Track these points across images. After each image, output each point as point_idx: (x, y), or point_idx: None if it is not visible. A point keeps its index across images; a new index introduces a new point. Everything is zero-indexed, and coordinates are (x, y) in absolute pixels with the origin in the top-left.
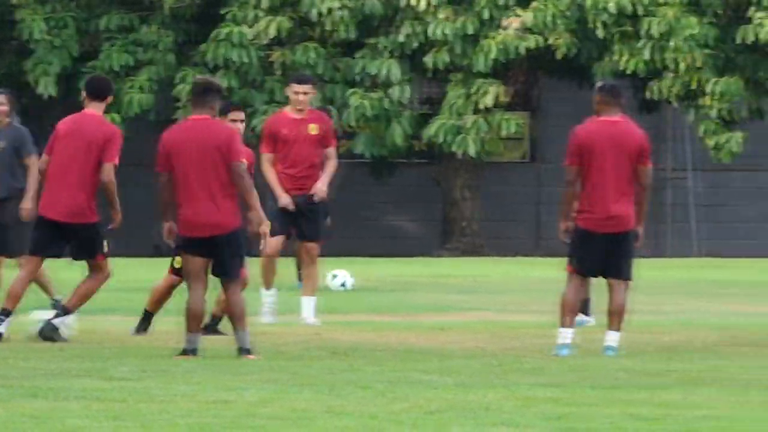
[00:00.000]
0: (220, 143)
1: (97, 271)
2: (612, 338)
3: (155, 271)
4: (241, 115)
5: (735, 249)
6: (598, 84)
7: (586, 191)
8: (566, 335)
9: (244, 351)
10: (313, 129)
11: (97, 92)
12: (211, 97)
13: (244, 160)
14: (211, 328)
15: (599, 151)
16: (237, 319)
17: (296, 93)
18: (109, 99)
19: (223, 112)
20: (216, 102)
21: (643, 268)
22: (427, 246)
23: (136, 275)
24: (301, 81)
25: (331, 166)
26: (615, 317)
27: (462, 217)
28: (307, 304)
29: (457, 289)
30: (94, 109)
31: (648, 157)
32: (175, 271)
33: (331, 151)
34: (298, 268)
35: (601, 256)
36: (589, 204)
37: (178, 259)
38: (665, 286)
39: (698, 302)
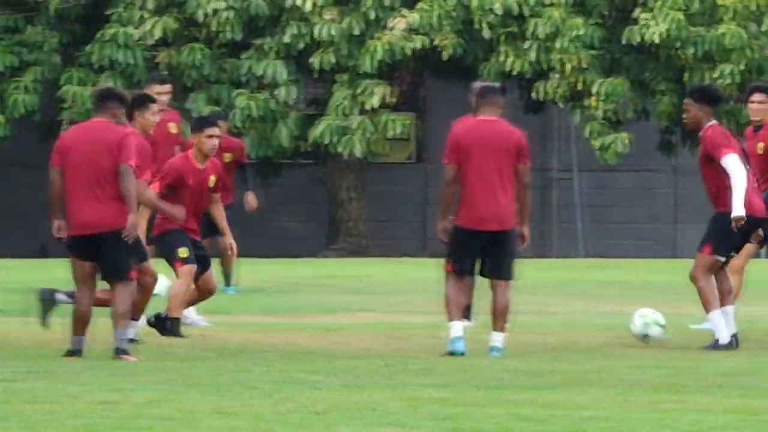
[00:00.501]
0: (112, 144)
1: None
2: (497, 339)
3: (41, 271)
4: (216, 131)
5: (620, 249)
6: (475, 84)
7: (465, 190)
8: (457, 328)
9: (120, 351)
10: (172, 128)
11: None
12: (111, 103)
13: (132, 163)
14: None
15: (477, 150)
16: (117, 318)
17: (159, 94)
18: None
19: (199, 128)
20: (116, 107)
21: (528, 269)
22: (313, 247)
23: (22, 276)
24: (164, 81)
25: None
26: (499, 318)
27: (348, 217)
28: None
29: (343, 289)
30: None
31: (527, 155)
32: (182, 261)
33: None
34: (224, 267)
35: (480, 255)
36: (468, 203)
37: (182, 249)
38: (551, 287)
39: (584, 303)
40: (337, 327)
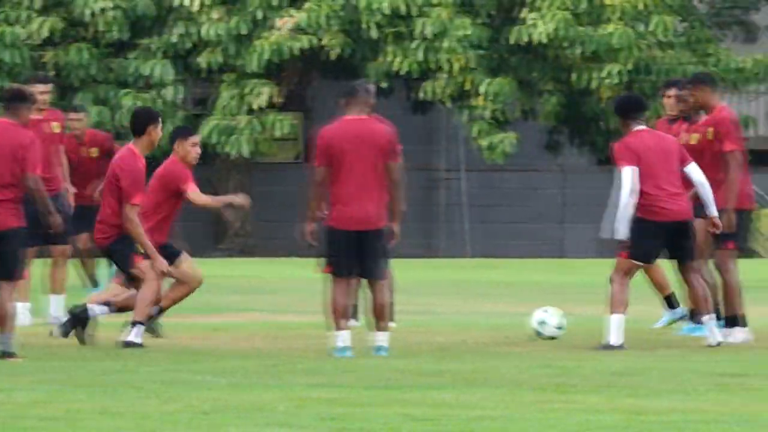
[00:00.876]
0: (16, 147)
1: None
2: (381, 338)
3: None
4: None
5: (507, 249)
6: (345, 85)
7: (335, 191)
8: (344, 338)
9: (6, 354)
10: (55, 127)
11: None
12: (16, 104)
13: (38, 172)
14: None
15: (346, 150)
16: (1, 320)
17: (41, 93)
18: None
19: (183, 137)
20: (23, 109)
21: (416, 269)
22: (200, 247)
23: None
24: (45, 81)
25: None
26: (379, 317)
27: (234, 217)
28: (56, 303)
29: (230, 289)
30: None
31: (396, 153)
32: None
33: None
34: (85, 268)
35: (354, 255)
36: (339, 203)
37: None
38: (438, 287)
39: (471, 303)
40: (225, 327)
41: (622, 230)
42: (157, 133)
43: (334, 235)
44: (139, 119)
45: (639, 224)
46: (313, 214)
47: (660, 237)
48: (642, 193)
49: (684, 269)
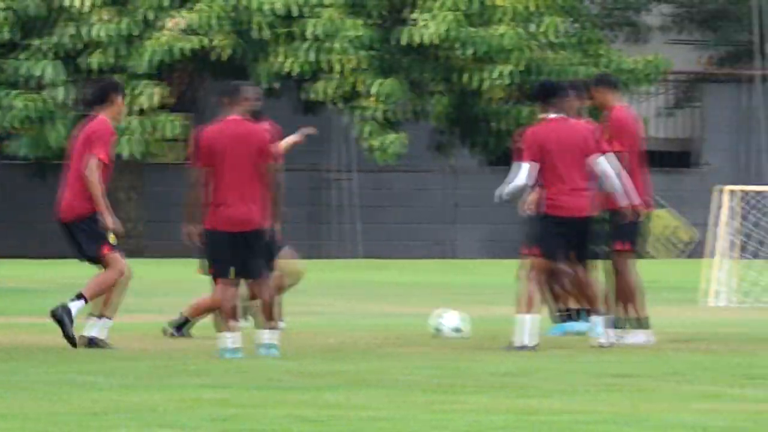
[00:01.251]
0: None
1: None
2: (267, 336)
3: None
4: None
5: (398, 250)
6: (226, 85)
7: (215, 192)
8: (234, 339)
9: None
10: None
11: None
12: None
13: None
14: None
15: (224, 152)
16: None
17: None
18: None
19: None
20: None
21: (306, 270)
22: None
23: None
24: None
25: None
26: (266, 316)
27: (126, 218)
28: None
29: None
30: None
31: (272, 153)
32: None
33: None
34: None
35: (235, 256)
36: (217, 205)
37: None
38: (328, 288)
39: (362, 303)
40: (116, 328)
41: (505, 191)
42: (122, 102)
43: (214, 236)
44: (103, 89)
45: (542, 220)
46: (191, 215)
47: (562, 233)
48: (545, 188)
49: (581, 266)
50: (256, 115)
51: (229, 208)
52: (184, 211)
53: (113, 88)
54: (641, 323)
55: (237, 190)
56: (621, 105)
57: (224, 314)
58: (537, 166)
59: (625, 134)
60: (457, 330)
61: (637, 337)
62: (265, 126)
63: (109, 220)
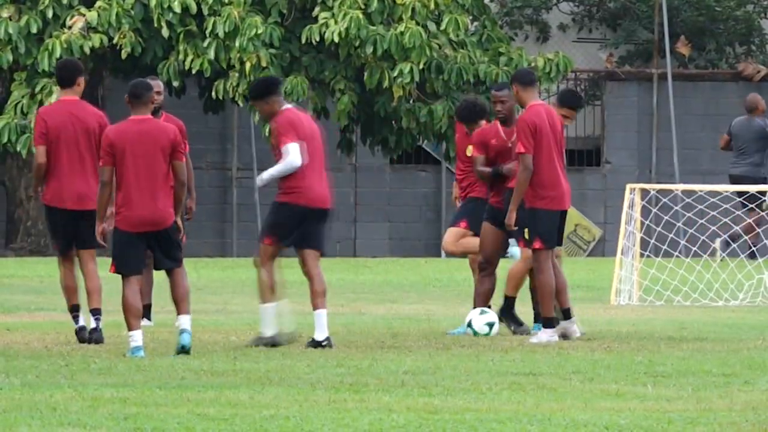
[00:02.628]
0: None
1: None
2: (185, 321)
3: None
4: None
5: None
6: (131, 84)
7: (122, 192)
8: (137, 338)
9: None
10: None
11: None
12: None
13: None
14: None
15: (131, 151)
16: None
17: None
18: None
19: None
20: None
21: (210, 268)
22: None
23: None
24: None
25: None
26: (183, 301)
27: (27, 217)
28: None
29: (22, 289)
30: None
31: (182, 152)
32: None
33: None
34: None
35: (144, 255)
36: (126, 205)
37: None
38: (232, 286)
39: None
40: (17, 326)
41: (264, 177)
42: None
43: (123, 236)
44: (68, 70)
45: (282, 207)
46: (103, 214)
47: (297, 220)
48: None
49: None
50: (156, 112)
51: (136, 208)
52: (97, 211)
53: (81, 71)
54: (553, 322)
55: (143, 189)
56: (534, 103)
57: (128, 312)
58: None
59: (528, 135)
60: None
61: (540, 336)
62: (170, 122)
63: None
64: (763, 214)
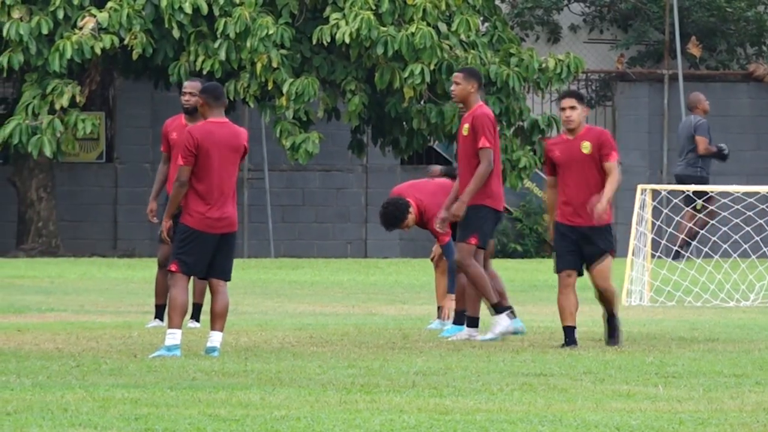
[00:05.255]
0: None
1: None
2: (216, 339)
3: None
4: None
5: (311, 249)
6: (204, 86)
7: (201, 191)
8: (176, 336)
9: None
10: None
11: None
12: None
13: None
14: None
15: (216, 152)
16: None
17: None
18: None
19: None
20: None
21: None
22: (2, 247)
23: None
24: None
25: None
26: (221, 318)
27: (38, 217)
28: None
29: (33, 290)
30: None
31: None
32: None
33: None
34: None
35: (210, 257)
36: (203, 204)
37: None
38: (243, 287)
39: (275, 302)
40: (28, 327)
41: None
42: None
43: (194, 235)
44: None
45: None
46: (174, 210)
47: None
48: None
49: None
50: (193, 112)
51: (214, 209)
52: (168, 207)
53: None
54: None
55: (220, 190)
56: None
57: (175, 315)
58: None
59: (487, 130)
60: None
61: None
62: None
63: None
64: (700, 215)
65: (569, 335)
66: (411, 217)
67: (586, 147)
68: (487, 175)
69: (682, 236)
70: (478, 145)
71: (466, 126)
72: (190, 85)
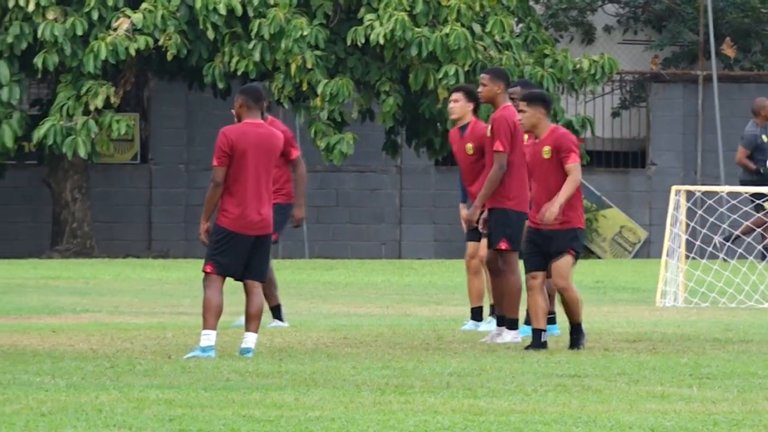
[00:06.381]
0: None
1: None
2: (250, 340)
3: None
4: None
5: (345, 250)
6: (244, 88)
7: (236, 193)
8: (210, 337)
9: None
10: None
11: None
12: None
13: None
14: None
15: (252, 153)
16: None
17: None
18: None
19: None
20: None
21: None
22: (37, 248)
23: None
24: None
25: None
26: (255, 319)
27: (73, 218)
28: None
29: (68, 290)
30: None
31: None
32: None
33: None
34: None
35: (245, 258)
36: (238, 205)
37: None
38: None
39: (310, 303)
40: (63, 328)
41: None
42: None
43: (230, 236)
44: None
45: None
46: (211, 214)
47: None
48: None
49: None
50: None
51: (248, 210)
52: (205, 210)
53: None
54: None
55: (256, 192)
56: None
57: (210, 311)
58: None
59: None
60: None
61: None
62: (276, 127)
63: None
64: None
65: (536, 338)
66: None
67: (546, 152)
68: (499, 179)
69: (760, 231)
70: (494, 148)
71: (489, 128)
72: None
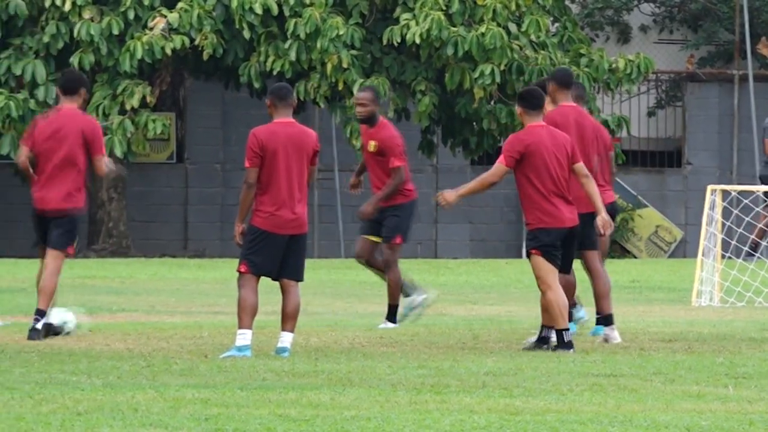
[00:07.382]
0: None
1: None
2: (287, 339)
3: None
4: None
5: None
6: (271, 87)
7: (270, 192)
8: (246, 336)
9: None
10: None
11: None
12: None
13: None
14: None
15: (283, 152)
16: None
17: None
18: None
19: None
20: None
21: None
22: None
23: None
24: None
25: None
26: (292, 319)
27: (109, 218)
28: None
29: (104, 290)
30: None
31: (318, 156)
32: None
33: None
34: None
35: (280, 257)
36: (271, 205)
37: None
38: (313, 287)
39: (345, 303)
40: (99, 327)
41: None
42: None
43: (264, 236)
44: (72, 80)
45: None
46: (246, 214)
47: None
48: None
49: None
50: (369, 121)
51: (282, 210)
52: (239, 211)
53: (84, 83)
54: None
55: (289, 191)
56: (564, 104)
57: (245, 311)
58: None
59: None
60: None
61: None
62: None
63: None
64: None
65: (560, 338)
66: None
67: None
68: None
69: (753, 237)
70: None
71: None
72: (362, 96)
